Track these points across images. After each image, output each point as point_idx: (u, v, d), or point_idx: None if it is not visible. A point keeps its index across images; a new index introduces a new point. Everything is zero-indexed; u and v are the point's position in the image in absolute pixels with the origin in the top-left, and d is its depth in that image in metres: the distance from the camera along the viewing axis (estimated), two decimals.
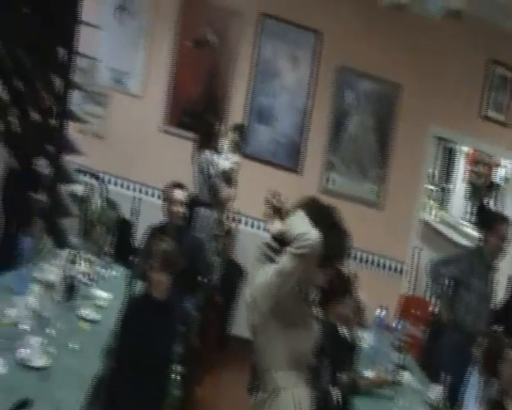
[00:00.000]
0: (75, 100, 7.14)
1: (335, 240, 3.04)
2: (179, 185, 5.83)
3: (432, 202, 9.95)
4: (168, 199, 5.74)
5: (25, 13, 5.35)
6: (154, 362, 4.24)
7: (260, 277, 3.02)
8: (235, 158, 6.77)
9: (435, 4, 5.75)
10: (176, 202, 5.70)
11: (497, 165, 9.38)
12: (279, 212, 3.19)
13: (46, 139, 5.73)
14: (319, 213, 3.06)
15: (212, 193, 6.55)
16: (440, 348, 5.86)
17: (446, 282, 6.00)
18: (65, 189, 5.99)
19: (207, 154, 6.55)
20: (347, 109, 7.56)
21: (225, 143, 6.74)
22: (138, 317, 4.33)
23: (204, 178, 6.56)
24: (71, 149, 5.88)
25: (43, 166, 5.71)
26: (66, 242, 5.66)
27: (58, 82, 5.67)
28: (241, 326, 7.20)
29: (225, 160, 6.65)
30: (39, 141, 5.73)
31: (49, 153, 5.70)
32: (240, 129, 6.84)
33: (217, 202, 6.55)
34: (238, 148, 6.82)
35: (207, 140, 6.61)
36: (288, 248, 2.90)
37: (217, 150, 6.63)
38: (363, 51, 7.35)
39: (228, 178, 6.65)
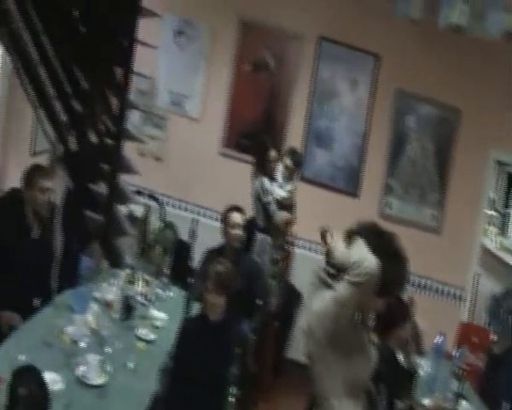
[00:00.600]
0: (134, 122, 7.27)
1: (395, 268, 2.99)
2: (237, 208, 5.86)
3: (492, 227, 9.75)
4: (226, 222, 5.77)
5: (82, 32, 5.43)
6: (209, 383, 4.24)
7: (317, 304, 2.99)
8: (290, 185, 6.75)
9: (495, 27, 5.67)
10: (233, 224, 5.73)
11: None
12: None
13: (103, 159, 5.80)
14: (379, 239, 3.00)
15: (267, 219, 6.56)
16: (500, 377, 5.73)
17: (506, 316, 5.88)
18: (123, 209, 6.05)
19: (262, 180, 6.58)
20: (406, 133, 7.49)
21: (280, 168, 6.72)
22: (194, 338, 4.35)
23: (259, 204, 6.57)
24: (127, 168, 5.94)
25: (100, 185, 5.78)
26: (122, 262, 5.71)
27: (115, 102, 5.74)
28: (297, 350, 7.17)
29: (280, 187, 6.63)
30: (96, 160, 5.81)
31: (105, 172, 5.77)
32: (293, 154, 6.80)
33: (272, 227, 6.54)
34: (293, 173, 6.78)
35: (262, 166, 6.63)
36: (346, 276, 2.85)
37: (271, 177, 6.63)
38: (422, 75, 7.28)
39: (284, 204, 6.63)
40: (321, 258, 7.44)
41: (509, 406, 4.53)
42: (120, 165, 5.82)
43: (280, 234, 6.62)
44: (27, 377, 2.90)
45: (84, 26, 5.42)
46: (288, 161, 6.67)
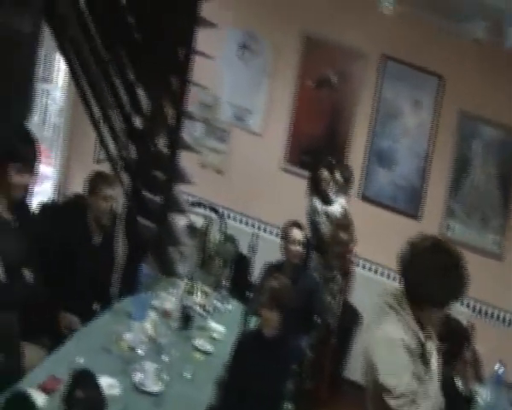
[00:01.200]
0: (197, 134, 7.31)
1: (455, 283, 3.02)
2: (297, 225, 5.84)
3: None
4: (286, 238, 5.76)
5: (137, 39, 5.46)
6: (264, 398, 4.20)
7: (382, 331, 2.98)
8: (341, 201, 6.65)
9: None
10: (293, 241, 5.71)
11: None
12: None
13: (159, 168, 5.83)
14: (441, 253, 3.05)
15: (319, 238, 6.50)
16: None
17: None
18: (183, 220, 6.07)
19: (313, 200, 6.54)
20: (469, 156, 7.36)
21: (333, 187, 6.63)
22: (249, 352, 4.32)
23: (311, 223, 6.54)
24: (182, 178, 5.96)
25: (155, 194, 5.81)
26: (173, 271, 5.72)
27: (171, 111, 5.77)
28: (355, 370, 7.08)
29: (330, 205, 6.57)
30: (152, 169, 5.84)
31: (160, 181, 5.79)
32: (343, 169, 6.72)
33: (324, 247, 6.47)
34: (343, 189, 6.69)
35: (315, 185, 6.57)
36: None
37: (324, 197, 6.55)
38: (487, 97, 7.13)
39: (339, 225, 6.54)
40: (380, 278, 7.40)
41: None
42: (175, 175, 5.84)
43: (333, 254, 6.52)
44: (85, 380, 2.91)
45: (140, 34, 5.44)
46: (337, 176, 6.60)
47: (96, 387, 2.96)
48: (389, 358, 2.96)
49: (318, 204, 6.54)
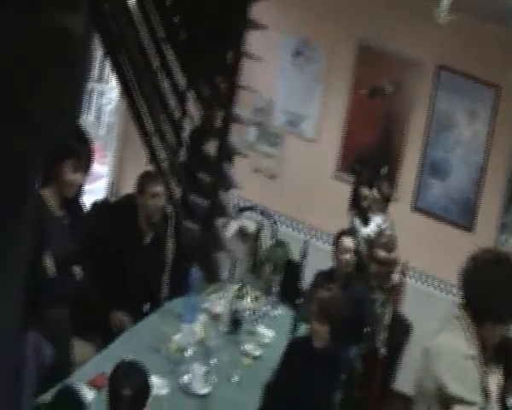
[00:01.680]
0: (250, 139, 7.30)
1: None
2: (349, 233, 5.76)
3: None
4: (337, 246, 5.68)
5: (181, 40, 5.46)
6: (312, 407, 4.16)
7: (447, 343, 2.96)
8: (379, 219, 6.33)
9: None
10: (345, 249, 5.64)
11: None
12: None
13: (205, 171, 5.83)
14: (504, 266, 3.00)
15: (357, 258, 6.11)
16: None
17: None
18: (234, 224, 6.05)
19: (353, 219, 6.34)
20: None
21: (372, 205, 6.34)
22: (298, 360, 4.27)
23: None
24: (229, 182, 5.95)
25: (202, 198, 5.81)
26: (218, 278, 5.71)
27: (220, 114, 5.77)
28: (404, 382, 6.99)
29: (368, 227, 6.31)
30: (198, 173, 5.84)
31: (207, 185, 5.80)
32: (382, 186, 6.41)
33: (362, 265, 6.28)
34: (381, 207, 6.37)
35: (355, 203, 6.34)
36: None
37: (363, 216, 6.32)
38: None
39: (377, 243, 6.37)
40: (432, 291, 7.25)
41: None
42: (222, 179, 5.84)
43: (370, 274, 6.34)
44: (132, 376, 2.89)
45: (188, 34, 5.44)
46: (375, 193, 6.44)
47: (143, 381, 2.93)
48: (461, 371, 2.90)
49: (357, 222, 6.33)
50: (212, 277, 5.65)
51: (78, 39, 1.54)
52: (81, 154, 3.96)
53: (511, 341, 4.10)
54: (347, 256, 5.64)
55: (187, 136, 5.72)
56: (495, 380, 3.08)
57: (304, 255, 6.83)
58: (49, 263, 3.78)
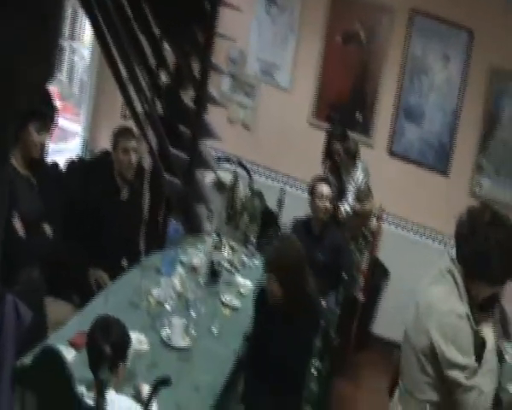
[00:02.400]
0: (224, 89, 7.26)
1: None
2: (325, 180, 5.76)
3: None
4: (313, 193, 5.66)
5: None
6: (289, 356, 4.14)
7: (439, 299, 2.96)
8: (353, 172, 6.35)
9: None
10: (321, 196, 5.60)
11: None
12: None
13: (185, 123, 5.79)
14: (502, 227, 2.96)
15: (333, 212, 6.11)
16: None
17: None
18: (210, 176, 6.06)
19: (326, 170, 6.37)
20: (499, 111, 7.25)
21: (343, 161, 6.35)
22: (264, 311, 4.04)
23: None
24: (209, 133, 5.92)
25: (182, 150, 5.78)
26: (200, 228, 5.69)
27: (197, 65, 5.72)
28: (382, 326, 7.09)
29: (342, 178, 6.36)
30: (177, 125, 5.80)
31: (186, 137, 5.77)
32: (350, 145, 6.35)
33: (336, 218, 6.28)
34: (350, 160, 6.34)
35: (327, 157, 6.37)
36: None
37: (336, 169, 6.35)
38: None
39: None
40: (408, 234, 7.30)
41: None
42: (202, 130, 5.81)
43: (347, 226, 6.35)
44: (111, 332, 2.90)
45: None
46: (343, 150, 6.29)
47: (120, 330, 2.94)
48: (455, 332, 2.90)
49: (332, 180, 6.24)
50: (194, 228, 5.66)
51: None
52: (46, 115, 3.97)
53: (498, 296, 4.17)
54: (323, 203, 5.61)
55: (164, 86, 5.69)
56: (486, 335, 3.05)
57: (280, 204, 6.86)
58: (17, 223, 3.78)
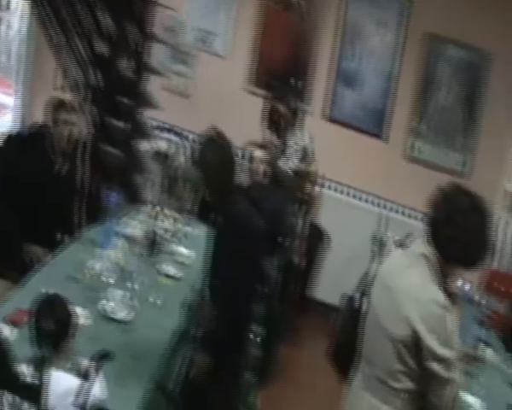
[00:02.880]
0: (161, 59, 7.19)
1: (487, 244, 2.98)
2: (260, 144, 5.75)
3: None
4: (249, 158, 5.63)
5: None
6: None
7: (433, 312, 2.88)
8: (295, 133, 6.32)
9: None
10: (257, 161, 5.58)
11: None
12: None
13: (124, 93, 5.73)
14: (480, 213, 2.97)
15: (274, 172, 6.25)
16: None
17: None
18: (148, 145, 6.02)
19: (266, 133, 6.31)
20: (436, 77, 7.35)
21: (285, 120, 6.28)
22: None
23: None
24: (147, 103, 5.88)
25: (120, 120, 5.72)
26: (139, 198, 5.67)
27: (135, 34, 5.65)
28: (324, 291, 7.17)
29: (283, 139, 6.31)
30: (117, 95, 5.74)
31: (126, 107, 5.71)
32: (289, 98, 6.35)
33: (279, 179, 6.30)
34: (292, 120, 6.30)
35: (268, 119, 6.30)
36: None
37: (278, 130, 6.27)
38: (453, 17, 7.07)
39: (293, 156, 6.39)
40: (347, 198, 7.37)
41: None
42: (140, 99, 5.76)
43: (289, 188, 6.36)
44: (54, 309, 2.88)
45: None
46: (285, 109, 6.24)
47: (63, 307, 2.92)
48: (439, 323, 2.87)
49: (272, 137, 6.27)
50: (133, 198, 5.64)
51: None
52: None
53: None
54: (260, 168, 5.58)
55: (102, 57, 5.62)
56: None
57: None
58: None
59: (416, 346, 2.89)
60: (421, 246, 3.02)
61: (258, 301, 4.37)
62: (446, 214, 2.94)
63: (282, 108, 6.24)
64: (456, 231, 2.90)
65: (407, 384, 2.98)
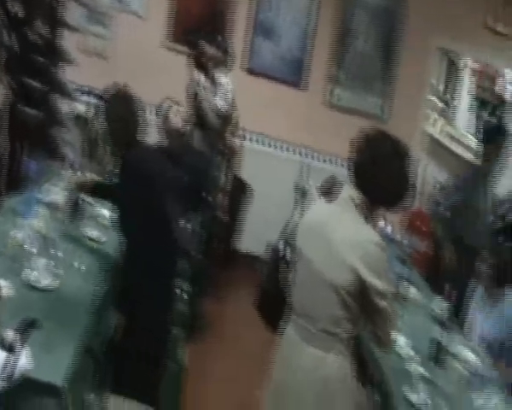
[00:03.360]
0: (79, 20, 7.10)
1: (408, 186, 3.10)
2: (176, 101, 5.74)
3: (436, 115, 9.88)
4: (165, 116, 5.62)
5: None
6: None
7: (370, 250, 2.97)
8: (220, 75, 6.45)
9: None
10: (173, 120, 5.60)
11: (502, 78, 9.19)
12: None
13: (39, 53, 5.66)
14: (403, 158, 3.09)
15: (199, 115, 6.37)
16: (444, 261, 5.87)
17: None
18: (67, 107, 5.97)
19: (195, 74, 6.40)
20: (352, 24, 7.46)
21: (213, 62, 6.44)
22: None
23: (192, 99, 6.41)
24: (63, 59, 5.83)
25: (37, 80, 5.65)
26: (60, 155, 5.61)
27: None
28: (249, 243, 7.28)
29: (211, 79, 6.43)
30: (33, 55, 5.67)
31: (42, 66, 5.65)
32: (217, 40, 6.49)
33: (205, 123, 6.40)
34: (222, 60, 6.48)
35: (196, 62, 6.42)
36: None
37: (206, 71, 6.40)
38: None
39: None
40: (267, 149, 7.46)
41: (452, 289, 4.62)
42: (56, 57, 5.71)
43: (215, 132, 6.48)
44: None
45: None
46: (214, 50, 6.41)
47: None
48: (379, 261, 2.99)
49: (200, 77, 6.37)
50: (53, 154, 5.58)
51: None
52: None
53: None
54: (177, 124, 5.60)
55: (17, 17, 5.53)
56: None
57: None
58: None
59: (360, 288, 2.99)
60: (348, 190, 3.11)
61: (179, 256, 4.42)
62: (370, 158, 3.05)
63: (209, 50, 6.30)
64: (379, 174, 3.02)
65: (347, 327, 3.09)
